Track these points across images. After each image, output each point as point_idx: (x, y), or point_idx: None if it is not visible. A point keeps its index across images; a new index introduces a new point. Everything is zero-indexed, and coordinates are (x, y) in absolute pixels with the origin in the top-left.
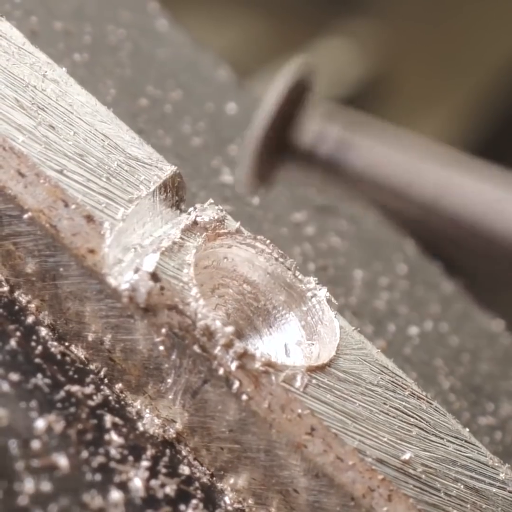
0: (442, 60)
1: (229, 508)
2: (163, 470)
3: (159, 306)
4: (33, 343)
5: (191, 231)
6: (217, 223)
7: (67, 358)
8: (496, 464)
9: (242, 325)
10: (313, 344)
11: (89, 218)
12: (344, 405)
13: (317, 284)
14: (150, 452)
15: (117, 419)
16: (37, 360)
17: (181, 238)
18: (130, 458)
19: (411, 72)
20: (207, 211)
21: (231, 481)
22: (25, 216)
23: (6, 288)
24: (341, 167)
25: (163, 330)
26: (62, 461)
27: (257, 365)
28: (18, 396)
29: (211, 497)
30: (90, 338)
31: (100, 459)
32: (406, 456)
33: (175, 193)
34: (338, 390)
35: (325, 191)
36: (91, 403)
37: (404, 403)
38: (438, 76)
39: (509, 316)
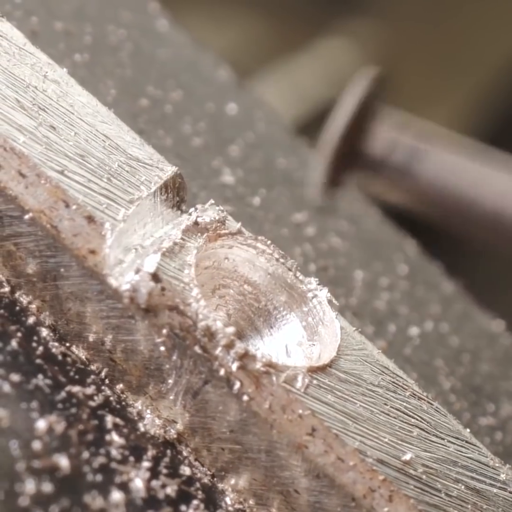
0: (442, 60)
1: (230, 508)
2: (164, 471)
3: (160, 306)
4: (34, 344)
5: (192, 231)
6: (218, 224)
7: (68, 359)
8: (497, 465)
9: (243, 325)
10: (314, 344)
11: (90, 219)
12: (345, 406)
13: (318, 284)
14: (151, 452)
15: (118, 420)
16: (38, 360)
17: (182, 238)
18: (131, 458)
19: (411, 72)
20: (208, 212)
21: (232, 481)
22: (26, 216)
23: (7, 289)
24: (411, 175)
25: (164, 331)
26: (63, 461)
27: (258, 365)
28: (19, 397)
29: (212, 497)
30: (91, 339)
31: (101, 459)
32: (407, 457)
33: (176, 194)
34: (339, 390)
35: (393, 198)
36: (92, 403)
37: (405, 404)
38: (438, 76)
39: (510, 317)
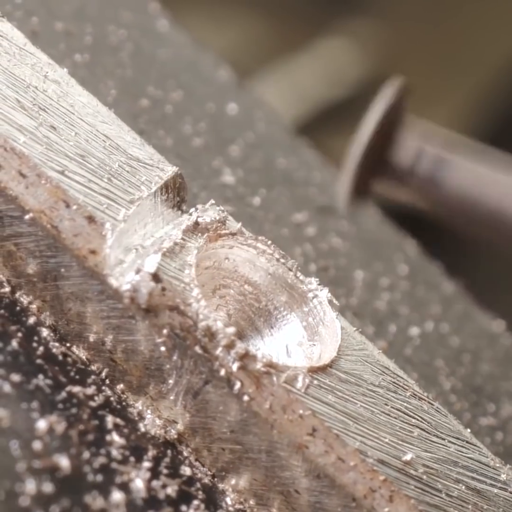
0: (442, 60)
1: (231, 509)
2: (165, 471)
3: (161, 307)
4: (34, 344)
5: (192, 232)
6: (218, 224)
7: (69, 359)
8: (498, 465)
9: (244, 326)
10: (314, 344)
11: (91, 219)
12: (345, 406)
13: (318, 284)
14: (151, 453)
15: (118, 420)
16: (39, 361)
17: (182, 239)
18: (132, 459)
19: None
20: (208, 212)
21: (233, 482)
22: (27, 217)
23: (7, 289)
24: (438, 185)
25: (165, 331)
26: (63, 462)
27: (259, 366)
28: (20, 397)
29: (212, 498)
30: (91, 339)
31: (101, 460)
32: (408, 457)
33: (176, 194)
34: (340, 391)
35: (420, 206)
36: (92, 404)
37: (405, 404)
38: (438, 76)
39: (510, 317)
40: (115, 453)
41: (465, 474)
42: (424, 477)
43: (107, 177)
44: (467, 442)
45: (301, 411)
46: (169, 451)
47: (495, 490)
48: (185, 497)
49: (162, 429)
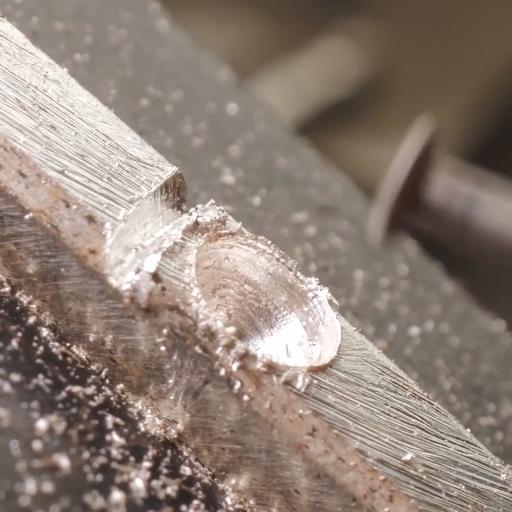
0: (442, 60)
1: (231, 508)
2: (165, 471)
3: (160, 306)
4: (34, 344)
5: (192, 231)
6: (218, 224)
7: (68, 359)
8: (497, 465)
9: (243, 325)
10: (314, 344)
11: (91, 219)
12: (345, 406)
13: (318, 284)
14: (151, 452)
15: (118, 420)
16: (39, 360)
17: (182, 238)
18: (132, 458)
19: (411, 72)
20: (208, 212)
21: (233, 481)
22: (26, 216)
23: (7, 289)
24: (471, 223)
25: (164, 331)
26: (63, 461)
27: (259, 365)
28: (20, 397)
29: (212, 497)
30: (91, 339)
31: (101, 459)
32: (408, 457)
33: (176, 194)
34: (339, 390)
35: (455, 244)
36: (92, 403)
37: (405, 404)
38: (438, 76)
39: (510, 317)
40: (115, 452)
41: (465, 474)
42: (424, 477)
43: (107, 176)
44: (467, 442)
45: (301, 411)
46: (169, 451)
47: (495, 490)
48: (185, 497)
49: (162, 429)
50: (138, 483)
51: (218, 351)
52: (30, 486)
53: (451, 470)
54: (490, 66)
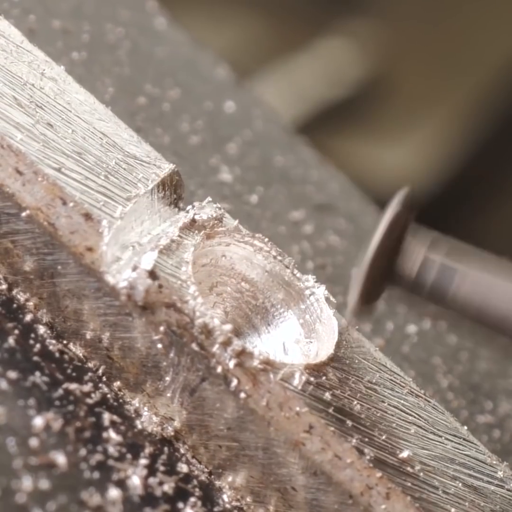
0: (442, 60)
1: (227, 506)
2: (161, 468)
3: (157, 304)
4: (31, 341)
5: (189, 229)
6: (215, 221)
7: (65, 356)
8: (495, 462)
9: (240, 323)
10: (311, 342)
11: (87, 216)
12: (342, 403)
13: (316, 282)
14: (148, 450)
15: (115, 417)
16: (35, 358)
17: (179, 236)
18: (128, 456)
19: (411, 72)
20: (205, 209)
21: (229, 479)
22: (23, 214)
23: (4, 286)
24: (445, 294)
25: (161, 328)
26: (60, 459)
27: (255, 363)
28: (16, 394)
29: (209, 495)
30: (88, 336)
31: (98, 457)
32: (404, 454)
33: (173, 191)
34: (336, 388)
35: (433, 315)
36: (89, 401)
37: (402, 401)
38: (438, 76)
39: None
40: (111, 450)
41: (462, 471)
42: (421, 474)
43: (104, 174)
44: (464, 439)
45: (297, 408)
46: (166, 448)
47: (492, 487)
48: (181, 494)
49: (159, 426)
50: (135, 480)
51: (215, 348)
52: (27, 483)
53: (448, 467)
54: (490, 66)
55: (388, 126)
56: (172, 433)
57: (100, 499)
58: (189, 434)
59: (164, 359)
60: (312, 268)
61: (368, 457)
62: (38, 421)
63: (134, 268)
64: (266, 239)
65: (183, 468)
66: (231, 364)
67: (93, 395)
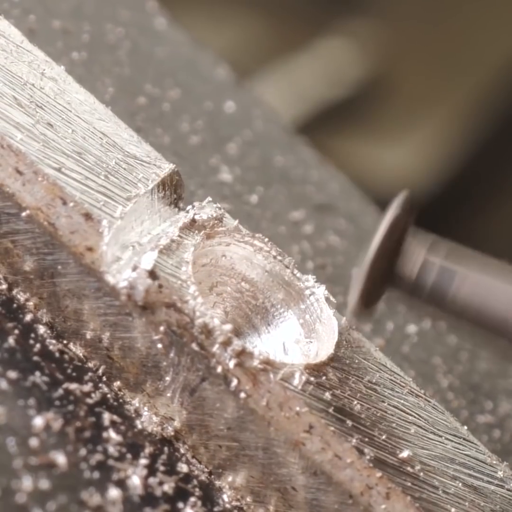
0: (442, 60)
1: (227, 506)
2: (161, 468)
3: (157, 304)
4: (31, 341)
5: (189, 229)
6: (215, 221)
7: (65, 356)
8: (495, 462)
9: (240, 323)
10: (311, 342)
11: (87, 216)
12: (342, 403)
13: (316, 282)
14: (148, 450)
15: (115, 417)
16: (36, 358)
17: (179, 236)
18: (128, 456)
19: (411, 72)
20: (205, 209)
21: (230, 479)
22: (23, 214)
23: (4, 286)
24: (444, 296)
25: (161, 328)
26: (60, 459)
27: (255, 363)
28: (16, 394)
29: (209, 495)
30: (88, 336)
31: (98, 456)
32: (404, 454)
33: (173, 191)
34: (336, 388)
35: (432, 317)
36: (89, 401)
37: (402, 401)
38: (438, 76)
39: None
40: (111, 450)
41: (462, 471)
42: (421, 474)
43: (104, 174)
44: (464, 439)
45: (297, 408)
46: (166, 448)
47: (492, 487)
48: (181, 494)
49: (159, 426)
50: (135, 480)
51: (215, 348)
52: (27, 483)
53: (448, 467)
54: (490, 66)
55: (388, 126)
56: (172, 433)
57: (100, 499)
58: (189, 434)
59: (164, 359)
60: (312, 268)
61: (368, 457)
62: (38, 421)
63: (134, 268)
64: (266, 239)
65: (183, 468)
66: (231, 364)
67: (93, 395)
